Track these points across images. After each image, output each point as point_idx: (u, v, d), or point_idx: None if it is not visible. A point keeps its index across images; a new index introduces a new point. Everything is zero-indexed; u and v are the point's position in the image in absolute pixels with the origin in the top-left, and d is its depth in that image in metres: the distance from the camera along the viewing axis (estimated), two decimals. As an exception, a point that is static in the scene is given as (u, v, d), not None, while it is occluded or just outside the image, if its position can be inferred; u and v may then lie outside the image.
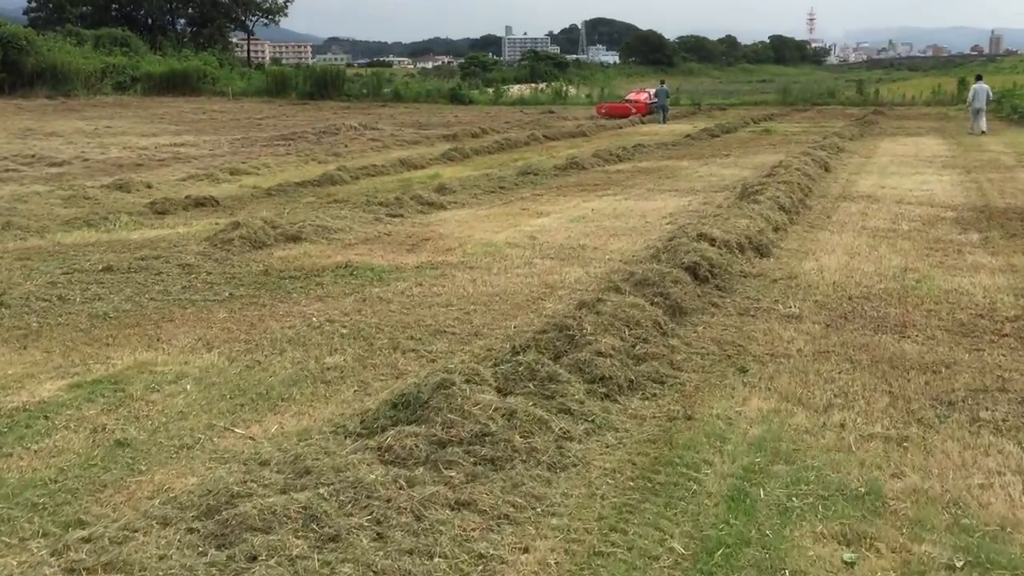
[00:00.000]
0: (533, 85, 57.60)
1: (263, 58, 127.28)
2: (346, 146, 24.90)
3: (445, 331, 6.14)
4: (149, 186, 16.19)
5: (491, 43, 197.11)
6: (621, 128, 32.28)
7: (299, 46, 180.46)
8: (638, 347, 5.19)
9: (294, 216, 10.83)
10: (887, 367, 5.31)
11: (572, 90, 51.76)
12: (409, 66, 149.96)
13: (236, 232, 9.20)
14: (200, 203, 14.03)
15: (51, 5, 58.56)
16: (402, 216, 11.67)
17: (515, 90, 50.30)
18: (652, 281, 6.32)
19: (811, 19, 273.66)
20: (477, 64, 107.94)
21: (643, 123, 35.00)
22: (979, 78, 28.42)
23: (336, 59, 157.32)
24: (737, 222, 8.81)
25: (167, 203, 13.77)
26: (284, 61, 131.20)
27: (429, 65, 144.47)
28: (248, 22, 67.12)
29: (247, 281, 7.74)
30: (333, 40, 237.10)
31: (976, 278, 7.72)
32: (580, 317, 5.29)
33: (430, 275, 7.95)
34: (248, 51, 70.42)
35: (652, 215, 11.55)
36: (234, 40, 68.87)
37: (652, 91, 39.64)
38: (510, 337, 5.85)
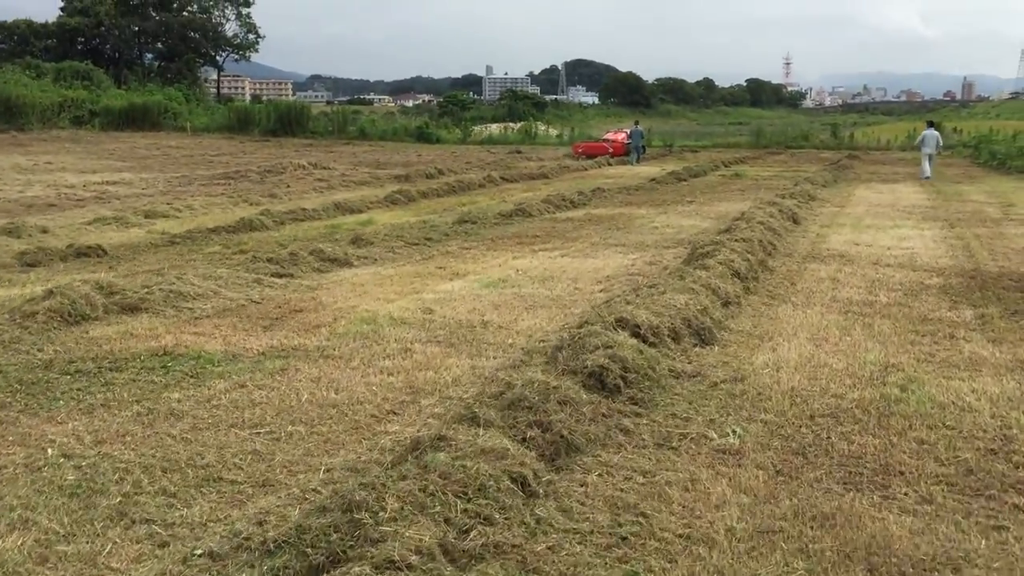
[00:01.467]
0: (511, 124, 56.34)
1: (242, 94, 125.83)
2: (289, 187, 23.09)
3: (222, 478, 4.14)
4: (44, 231, 14.26)
5: (472, 83, 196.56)
6: (587, 170, 30.59)
7: (279, 83, 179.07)
8: (472, 536, 3.21)
9: (149, 278, 8.84)
10: (862, 571, 3.34)
11: (544, 129, 50.18)
12: (390, 104, 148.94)
13: (46, 303, 7.18)
14: (83, 253, 12.08)
15: (15, 37, 56.64)
16: (291, 276, 9.70)
17: (485, 129, 48.64)
18: (530, 403, 4.36)
19: (787, 63, 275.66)
20: (455, 103, 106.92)
21: (610, 165, 33.32)
22: (931, 124, 28.18)
23: (317, 96, 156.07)
24: (675, 298, 6.88)
25: (42, 253, 11.83)
26: (264, 98, 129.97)
27: (410, 103, 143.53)
28: (218, 57, 65.32)
29: (12, 378, 5.71)
30: (316, 78, 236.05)
31: (978, 382, 5.80)
32: (383, 486, 3.31)
33: (268, 369, 5.97)
34: (218, 86, 68.63)
35: (586, 279, 9.62)
36: (203, 76, 67.04)
37: (628, 131, 38.57)
38: (299, 497, 3.86)
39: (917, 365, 6.24)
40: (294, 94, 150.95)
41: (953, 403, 5.37)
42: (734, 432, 4.73)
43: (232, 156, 34.97)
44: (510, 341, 6.79)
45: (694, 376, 5.81)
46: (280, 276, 9.64)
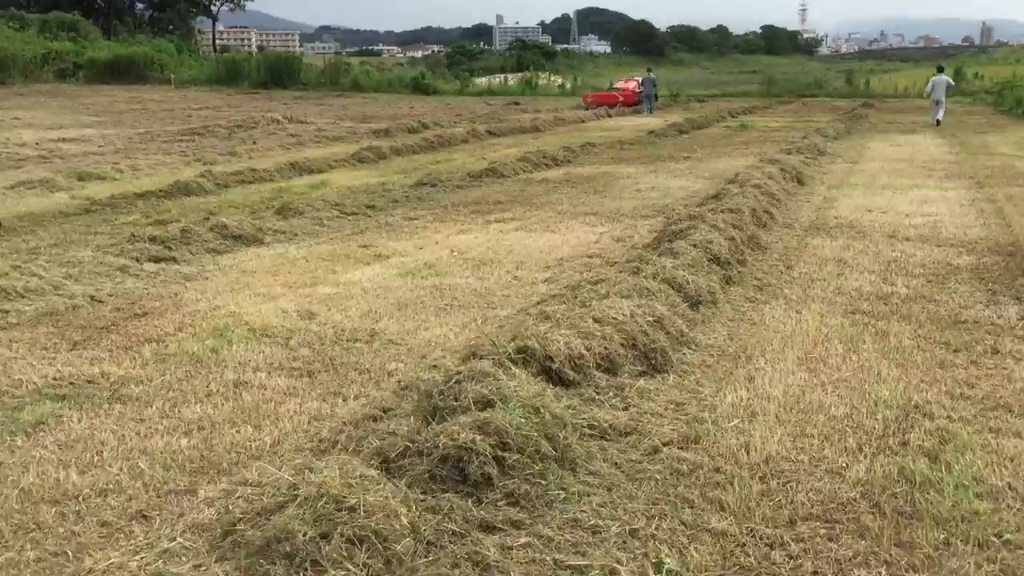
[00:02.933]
0: (520, 74, 54.13)
1: (248, 45, 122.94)
2: (255, 143, 21.16)
3: None
4: (-48, 196, 12.46)
5: (483, 32, 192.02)
6: (584, 122, 28.45)
7: (287, 34, 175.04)
8: None
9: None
10: None
11: (547, 79, 47.74)
12: (398, 54, 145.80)
13: None
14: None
15: (3, -12, 54.34)
16: (172, 260, 7.83)
17: (487, 80, 46.25)
18: (292, 550, 2.49)
19: (803, 9, 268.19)
20: (463, 53, 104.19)
21: (610, 116, 31.12)
22: (940, 69, 26.57)
23: (324, 48, 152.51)
24: (618, 305, 4.96)
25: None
26: (270, 48, 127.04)
27: (419, 54, 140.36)
28: (212, 7, 62.76)
29: None
30: (324, 29, 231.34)
31: (1044, 441, 3.90)
32: None
33: (21, 423, 4.13)
34: (214, 37, 66.11)
35: (533, 262, 7.71)
36: (198, 26, 64.47)
37: (639, 80, 36.94)
38: None
39: (951, 406, 4.34)
40: (301, 45, 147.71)
41: (1009, 487, 3.47)
42: (662, 565, 2.86)
43: (214, 110, 32.96)
44: (391, 367, 4.92)
45: (625, 435, 3.93)
46: (158, 260, 7.78)
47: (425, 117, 29.01)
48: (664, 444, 3.85)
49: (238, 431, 4.01)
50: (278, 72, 42.56)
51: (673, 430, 4.00)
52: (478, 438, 3.20)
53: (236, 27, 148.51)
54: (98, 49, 44.41)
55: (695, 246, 6.84)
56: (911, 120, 27.31)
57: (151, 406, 4.33)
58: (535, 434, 3.34)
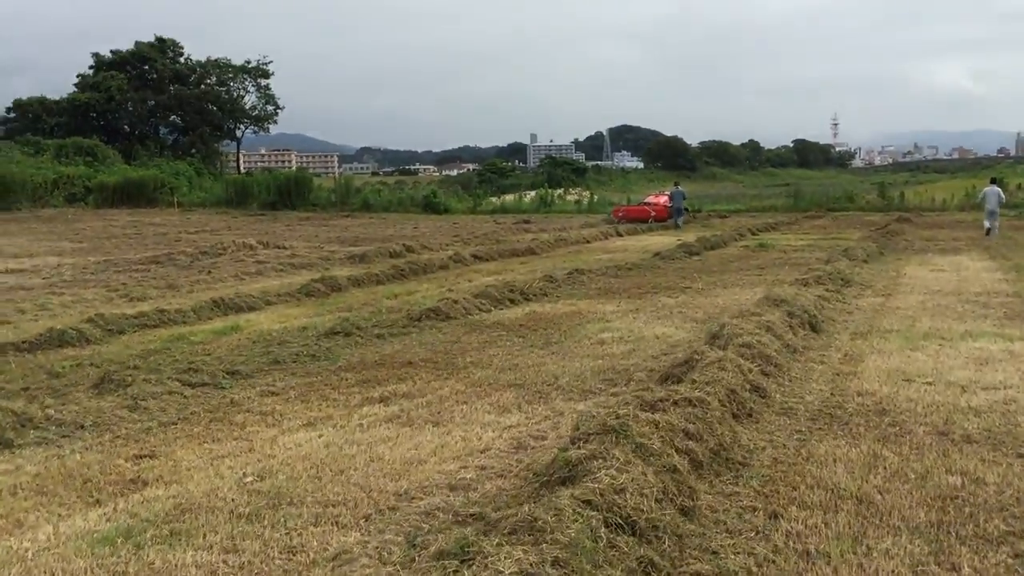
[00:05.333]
0: (550, 190, 52.57)
1: (288, 166, 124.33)
2: (209, 273, 18.77)
3: None
4: None
5: (518, 151, 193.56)
6: (588, 243, 25.80)
7: (326, 156, 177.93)
8: None
9: None
10: None
11: (566, 195, 45.59)
12: (434, 173, 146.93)
13: None
14: None
15: (30, 115, 54.27)
16: None
17: (497, 199, 44.20)
18: None
19: (835, 123, 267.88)
20: (494, 171, 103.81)
21: (620, 235, 28.45)
22: (993, 181, 26.07)
23: (363, 167, 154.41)
24: None
25: None
26: (311, 170, 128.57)
27: (454, 172, 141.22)
28: (237, 131, 62.36)
29: None
30: (365, 150, 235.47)
31: None
32: None
33: None
34: (238, 159, 65.61)
35: (347, 506, 4.69)
36: (222, 150, 63.98)
37: (669, 193, 35.14)
38: None
39: None
40: (340, 166, 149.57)
41: None
42: None
43: (211, 233, 30.91)
44: None
45: None
46: None
47: (423, 239, 26.71)
48: None
49: None
50: (287, 192, 40.89)
51: None
52: None
53: (277, 150, 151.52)
54: (110, 173, 43.31)
55: (604, 491, 3.77)
56: (952, 237, 24.15)
57: None
58: None
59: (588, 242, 25.88)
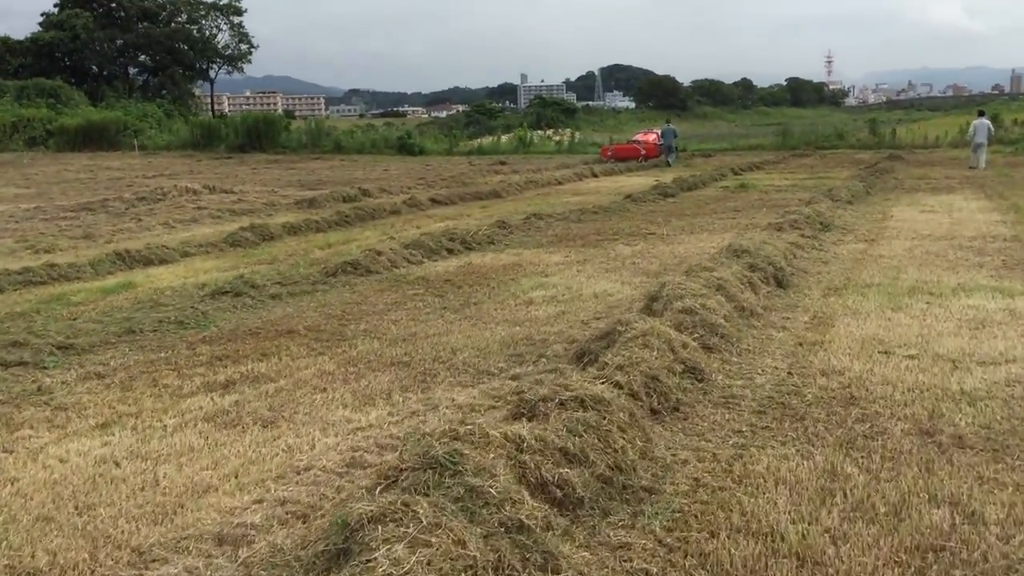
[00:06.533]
0: (548, 132, 50.80)
1: (274, 108, 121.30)
2: (139, 220, 17.24)
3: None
4: None
5: (509, 91, 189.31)
6: (560, 184, 24.12)
7: (312, 98, 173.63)
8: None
9: None
10: None
11: (546, 135, 43.69)
12: (423, 115, 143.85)
13: None
14: None
15: (-10, 57, 51.75)
16: None
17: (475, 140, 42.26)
18: None
19: (829, 61, 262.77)
20: (483, 112, 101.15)
21: (596, 176, 26.77)
22: (981, 113, 25.47)
23: (350, 110, 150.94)
24: None
25: None
26: (297, 113, 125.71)
27: (443, 114, 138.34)
28: (210, 71, 59.71)
29: None
30: (353, 92, 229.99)
31: None
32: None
33: None
34: (212, 101, 63.10)
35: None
36: (192, 90, 61.38)
37: (659, 132, 33.72)
38: None
39: None
40: (327, 108, 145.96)
41: None
42: None
43: (168, 178, 29.08)
44: None
45: None
46: None
47: (386, 182, 25.05)
48: None
49: None
50: (256, 135, 38.88)
51: None
52: None
53: (262, 92, 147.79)
54: (71, 116, 41.17)
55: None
56: (945, 175, 22.51)
57: None
58: None
59: (560, 184, 24.22)
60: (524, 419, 3.77)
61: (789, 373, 5.43)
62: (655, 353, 4.90)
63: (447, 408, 4.78)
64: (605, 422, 3.80)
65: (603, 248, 11.45)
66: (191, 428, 4.66)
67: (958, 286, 8.02)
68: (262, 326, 7.29)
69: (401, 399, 5.08)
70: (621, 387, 4.36)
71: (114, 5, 54.74)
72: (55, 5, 55.00)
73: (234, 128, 39.46)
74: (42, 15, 53.86)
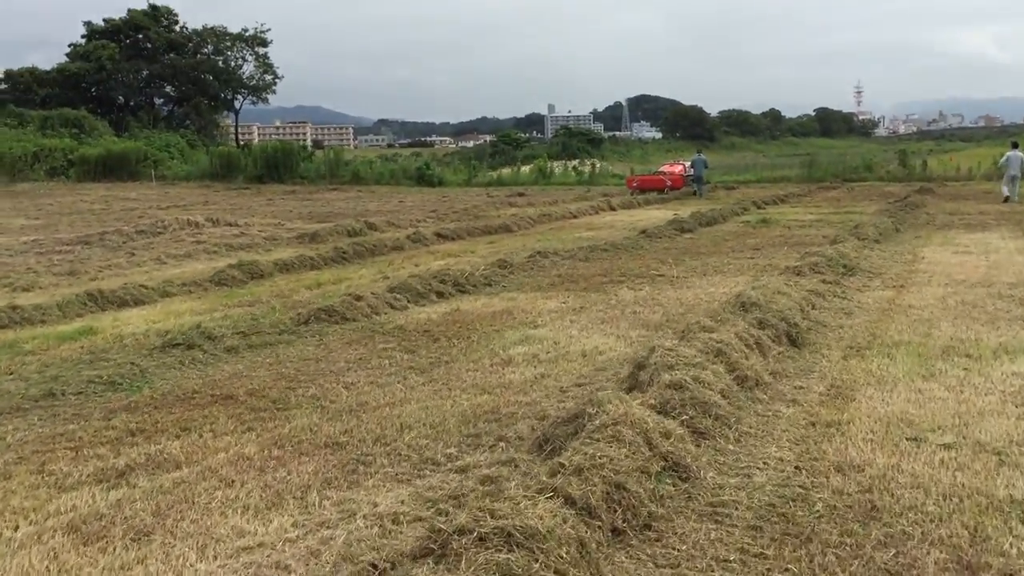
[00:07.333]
0: (568, 163, 50.15)
1: (303, 138, 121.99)
2: (133, 255, 16.62)
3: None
4: None
5: (536, 121, 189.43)
6: (575, 218, 23.20)
7: (340, 128, 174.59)
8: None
9: None
10: None
11: (566, 167, 42.91)
12: (450, 145, 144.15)
13: None
14: None
15: (20, 87, 52.06)
16: None
17: (494, 170, 41.56)
18: None
19: (858, 92, 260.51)
20: (508, 142, 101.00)
21: (613, 209, 25.86)
22: (1015, 145, 24.47)
23: (378, 140, 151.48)
24: None
25: None
26: (325, 143, 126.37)
27: (470, 144, 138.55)
28: (235, 101, 59.74)
29: None
30: (382, 122, 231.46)
31: None
32: None
33: None
34: (236, 131, 63.14)
35: None
36: (219, 121, 61.43)
37: (688, 163, 33.47)
38: None
39: None
40: (355, 138, 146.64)
41: None
42: None
43: (182, 209, 28.57)
44: None
45: None
46: None
47: (397, 214, 24.36)
48: None
49: None
50: (274, 165, 38.45)
51: None
52: None
53: (292, 122, 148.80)
54: (93, 146, 41.06)
55: None
56: (979, 210, 21.31)
57: None
58: None
59: (575, 217, 23.32)
60: (430, 560, 2.81)
61: (796, 468, 4.43)
62: (626, 449, 3.94)
63: (363, 519, 3.82)
64: (538, 566, 2.83)
65: (605, 292, 10.50)
66: (44, 542, 3.75)
67: (1000, 346, 6.96)
68: (200, 388, 6.41)
69: (317, 500, 4.14)
70: (574, 503, 3.39)
71: (141, 37, 55.02)
72: (83, 36, 55.44)
73: (253, 158, 39.08)
74: (69, 46, 54.30)
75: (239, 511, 4.05)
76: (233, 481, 4.45)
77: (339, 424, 5.40)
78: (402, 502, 4.00)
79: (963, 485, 4.16)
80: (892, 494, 4.07)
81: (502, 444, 4.86)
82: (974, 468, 4.38)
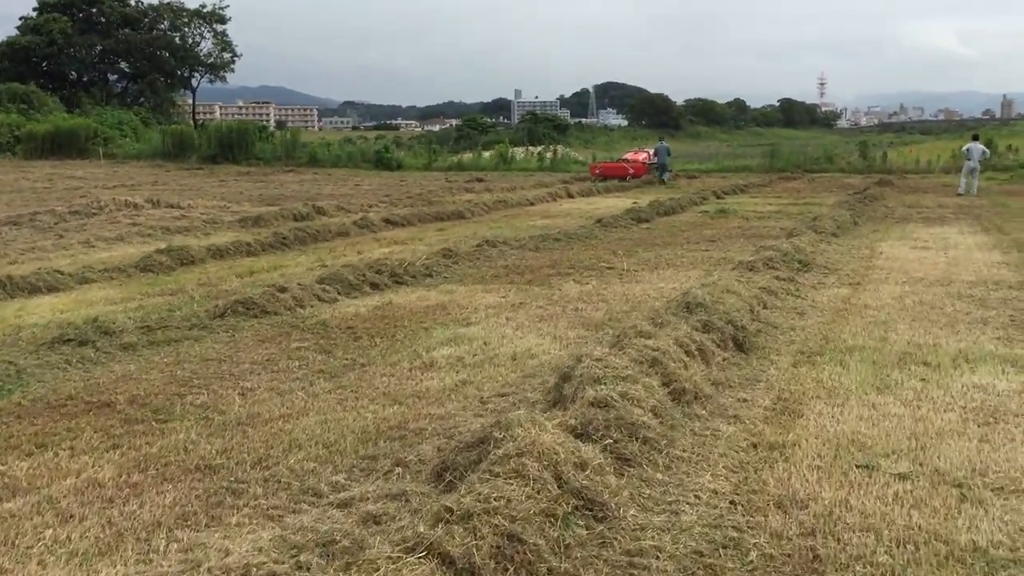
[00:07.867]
0: (530, 148, 49.26)
1: (267, 119, 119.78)
2: (60, 237, 15.69)
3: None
4: None
5: (503, 107, 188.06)
6: (531, 205, 22.55)
7: (305, 109, 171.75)
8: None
9: None
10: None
11: (528, 153, 42.20)
12: (416, 128, 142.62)
13: None
14: None
15: (-32, 60, 50.09)
16: None
17: (455, 155, 40.68)
18: None
19: (822, 83, 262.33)
20: (473, 126, 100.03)
21: (571, 197, 25.24)
22: (975, 138, 25.53)
23: (343, 122, 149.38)
24: None
25: None
26: (289, 124, 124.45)
27: (436, 128, 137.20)
28: (192, 79, 58.02)
29: None
30: (348, 104, 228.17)
31: None
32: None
33: None
34: (193, 110, 61.46)
35: None
36: (175, 98, 59.70)
37: (651, 151, 33.29)
38: None
39: None
40: (320, 120, 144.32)
41: None
42: None
43: (129, 188, 27.50)
44: None
45: None
46: None
47: (350, 198, 23.56)
48: None
49: None
50: (229, 145, 37.27)
51: None
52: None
53: (255, 102, 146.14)
54: (41, 122, 39.50)
55: None
56: (938, 203, 21.01)
57: None
58: None
59: (531, 204, 22.66)
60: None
61: (732, 503, 3.83)
62: (529, 488, 3.30)
63: (207, 573, 3.14)
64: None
65: (550, 286, 9.87)
66: None
67: (959, 353, 6.44)
68: (77, 394, 5.67)
69: (163, 545, 3.45)
70: (452, 563, 2.74)
71: (94, 10, 53.14)
72: (34, 9, 53.43)
73: (207, 138, 37.84)
74: (20, 19, 52.29)
75: (64, 558, 3.35)
76: (72, 516, 3.74)
77: (220, 441, 4.70)
78: (260, 549, 3.31)
79: (919, 527, 3.59)
80: (838, 539, 3.48)
81: (398, 470, 4.20)
82: (932, 505, 3.81)
